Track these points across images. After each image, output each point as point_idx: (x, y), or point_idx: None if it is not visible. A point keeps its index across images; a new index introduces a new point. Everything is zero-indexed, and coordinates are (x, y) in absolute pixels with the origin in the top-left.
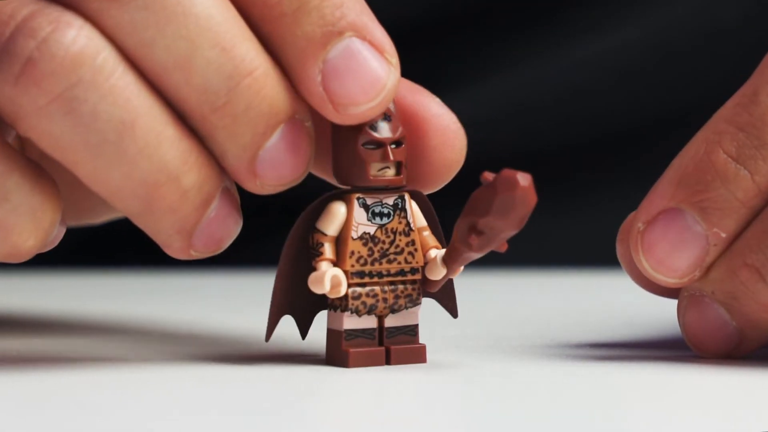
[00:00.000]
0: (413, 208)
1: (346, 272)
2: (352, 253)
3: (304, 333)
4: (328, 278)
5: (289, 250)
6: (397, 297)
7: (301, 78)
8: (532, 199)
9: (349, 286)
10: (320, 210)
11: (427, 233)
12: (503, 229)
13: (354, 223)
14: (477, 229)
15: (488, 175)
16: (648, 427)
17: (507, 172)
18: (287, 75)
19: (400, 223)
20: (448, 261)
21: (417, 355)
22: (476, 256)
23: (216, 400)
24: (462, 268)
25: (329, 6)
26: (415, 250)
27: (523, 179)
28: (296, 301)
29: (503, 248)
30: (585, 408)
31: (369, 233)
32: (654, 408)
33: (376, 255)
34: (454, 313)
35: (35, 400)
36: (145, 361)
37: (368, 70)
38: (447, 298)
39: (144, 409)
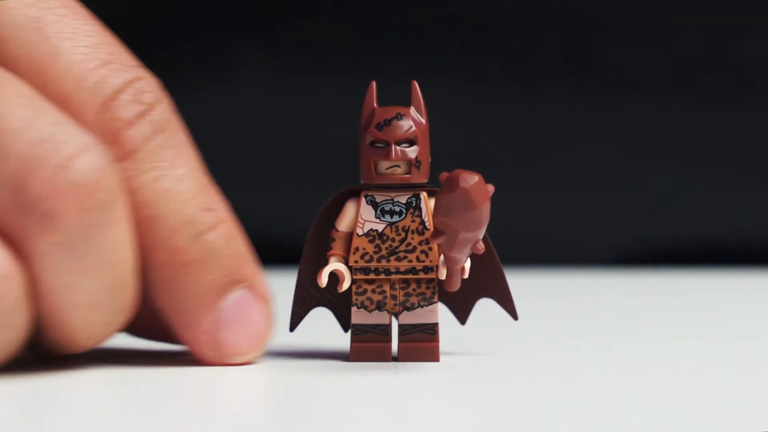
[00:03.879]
0: (430, 207)
1: (350, 268)
2: (357, 249)
3: (345, 326)
4: (325, 273)
5: (309, 244)
6: (408, 295)
7: (191, 323)
8: (477, 200)
9: (355, 281)
10: (335, 205)
11: None
12: (457, 230)
13: (360, 219)
14: (438, 230)
15: (443, 176)
16: (649, 427)
17: (454, 173)
18: (176, 318)
19: (413, 221)
20: (444, 263)
21: (428, 354)
22: (457, 257)
23: (228, 395)
24: (466, 271)
25: (230, 257)
26: (429, 249)
27: (466, 180)
28: (327, 295)
29: (478, 250)
30: (587, 408)
31: (376, 230)
32: (655, 408)
33: (384, 252)
34: (513, 314)
35: (45, 397)
36: (149, 358)
37: (255, 323)
38: (505, 300)
39: (142, 404)
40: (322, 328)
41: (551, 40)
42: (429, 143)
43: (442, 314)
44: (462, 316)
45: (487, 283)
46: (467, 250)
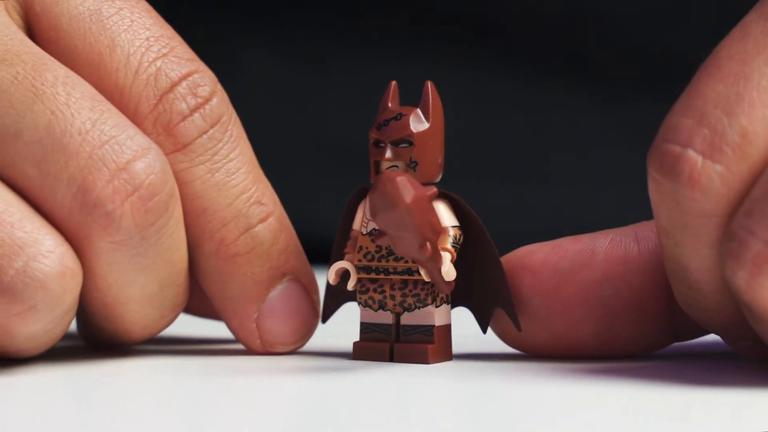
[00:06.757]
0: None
1: (356, 266)
2: (361, 248)
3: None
4: (331, 270)
5: (338, 241)
6: (404, 295)
7: (238, 312)
8: (396, 200)
9: (360, 280)
10: (355, 202)
11: (445, 235)
12: (388, 231)
13: (364, 219)
14: (380, 230)
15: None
16: (651, 428)
17: (382, 173)
18: (223, 305)
19: None
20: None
21: (420, 355)
22: (417, 258)
23: (229, 394)
24: (447, 274)
25: (277, 250)
26: None
27: (384, 182)
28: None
29: (425, 252)
30: (588, 409)
31: (377, 230)
32: (657, 408)
33: (384, 252)
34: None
35: (79, 392)
36: (152, 356)
37: (300, 314)
38: (509, 310)
39: (144, 403)
40: (324, 327)
41: (554, 33)
42: (437, 144)
43: (457, 317)
44: (482, 324)
45: (496, 292)
46: (414, 252)
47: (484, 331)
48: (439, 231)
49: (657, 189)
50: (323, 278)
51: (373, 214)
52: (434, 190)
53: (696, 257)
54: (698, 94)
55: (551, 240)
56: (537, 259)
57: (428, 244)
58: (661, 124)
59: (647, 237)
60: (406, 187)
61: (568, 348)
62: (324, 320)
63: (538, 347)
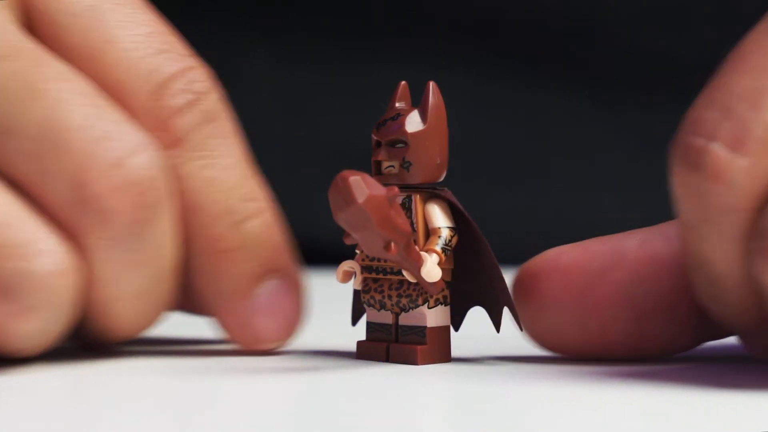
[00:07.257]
0: (426, 210)
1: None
2: None
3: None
4: (339, 270)
5: None
6: (399, 296)
7: (227, 309)
8: (348, 199)
9: (365, 279)
10: None
11: (435, 236)
12: (348, 231)
13: None
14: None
15: None
16: (650, 428)
17: (338, 174)
18: (213, 302)
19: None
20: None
21: (410, 357)
22: (390, 258)
23: (231, 393)
24: (430, 275)
25: (267, 246)
26: None
27: (336, 181)
28: None
29: (390, 252)
30: (589, 411)
31: None
32: (656, 408)
33: None
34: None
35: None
36: (162, 354)
37: (287, 312)
38: (509, 305)
39: (148, 400)
40: (329, 326)
41: (555, 37)
42: (435, 146)
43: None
44: (496, 324)
45: (498, 292)
46: (379, 252)
47: (498, 330)
48: (404, 231)
49: (680, 182)
50: (325, 279)
51: (333, 214)
52: (395, 190)
53: (719, 251)
54: (723, 88)
55: (579, 241)
56: (566, 260)
57: (392, 244)
58: (685, 117)
59: (676, 236)
60: (359, 187)
61: (600, 349)
62: (354, 323)
63: (570, 348)
